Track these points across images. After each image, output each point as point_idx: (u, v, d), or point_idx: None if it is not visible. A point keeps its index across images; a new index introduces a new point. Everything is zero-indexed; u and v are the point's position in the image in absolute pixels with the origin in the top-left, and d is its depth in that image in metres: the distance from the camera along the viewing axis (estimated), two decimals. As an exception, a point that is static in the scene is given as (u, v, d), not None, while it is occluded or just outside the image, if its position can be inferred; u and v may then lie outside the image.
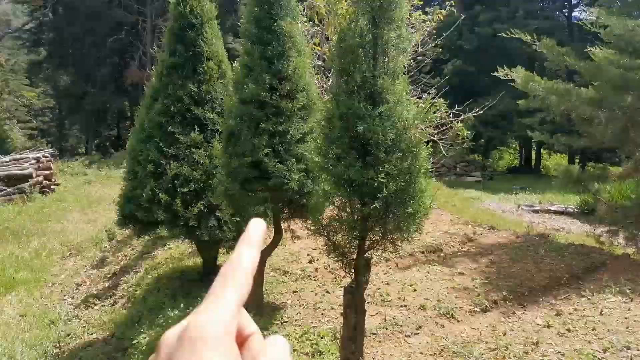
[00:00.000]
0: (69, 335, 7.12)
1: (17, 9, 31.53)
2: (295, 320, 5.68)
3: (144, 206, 6.21)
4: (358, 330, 4.16)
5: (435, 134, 8.34)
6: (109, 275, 9.21)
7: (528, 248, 7.99)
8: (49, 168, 16.75)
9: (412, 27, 8.63)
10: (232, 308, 0.46)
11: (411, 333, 5.32)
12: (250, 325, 0.50)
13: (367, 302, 4.99)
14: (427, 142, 3.96)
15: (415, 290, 6.39)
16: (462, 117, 8.57)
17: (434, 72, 11.51)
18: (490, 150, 32.02)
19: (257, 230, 0.53)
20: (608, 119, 8.21)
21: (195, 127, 6.32)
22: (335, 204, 4.02)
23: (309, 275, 6.93)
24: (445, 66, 26.59)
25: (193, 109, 6.37)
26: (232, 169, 5.19)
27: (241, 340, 0.48)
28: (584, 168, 16.70)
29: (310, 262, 7.35)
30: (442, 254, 7.85)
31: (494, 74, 9.07)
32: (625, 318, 5.37)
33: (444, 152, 8.67)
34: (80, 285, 9.20)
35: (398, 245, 4.06)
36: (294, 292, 6.44)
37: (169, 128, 6.29)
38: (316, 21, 9.17)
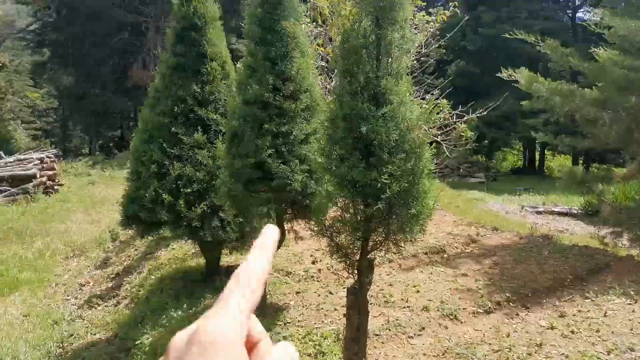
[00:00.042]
0: (72, 335, 7.13)
1: (21, 9, 31.63)
2: (298, 321, 5.68)
3: (148, 207, 6.22)
4: (361, 331, 4.16)
5: (439, 134, 8.34)
6: (112, 276, 9.23)
7: (532, 249, 7.97)
8: (53, 169, 16.79)
9: (415, 28, 8.63)
10: (243, 312, 0.46)
11: (414, 334, 5.31)
12: (259, 331, 0.50)
13: (370, 303, 4.98)
14: (431, 143, 3.96)
15: (418, 291, 6.38)
16: (465, 118, 8.57)
17: (438, 73, 11.50)
18: (493, 151, 31.96)
19: (270, 236, 0.54)
20: (612, 119, 8.18)
21: (199, 127, 6.33)
22: (339, 205, 4.01)
23: (312, 276, 6.93)
24: (448, 67, 26.57)
25: (196, 110, 6.38)
26: (235, 169, 5.19)
27: (250, 346, 0.48)
28: (588, 169, 16.65)
29: (313, 263, 7.35)
30: (445, 255, 7.83)
31: (497, 74, 9.05)
32: (630, 320, 5.35)
33: (447, 153, 8.66)
34: (84, 285, 9.22)
35: (401, 246, 4.05)
36: (297, 293, 6.43)
37: (173, 129, 6.30)
38: (319, 22, 9.17)
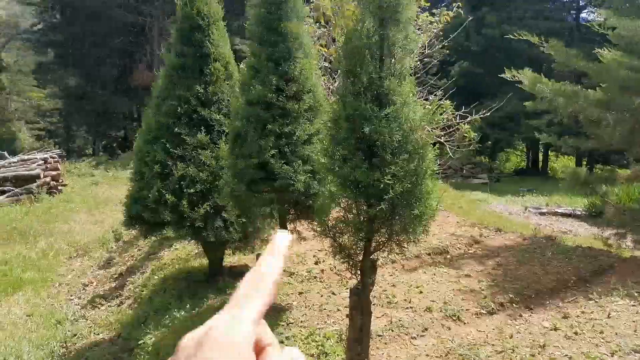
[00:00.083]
0: (75, 335, 7.15)
1: (25, 10, 31.71)
2: (301, 321, 5.68)
3: (151, 207, 6.23)
4: (364, 331, 4.15)
5: (442, 135, 8.33)
6: (115, 276, 9.24)
7: (535, 250, 7.95)
8: (57, 169, 16.83)
9: (419, 29, 8.63)
10: (253, 317, 0.46)
11: (417, 335, 5.30)
12: (268, 335, 0.50)
13: (373, 304, 4.98)
14: (434, 144, 3.95)
15: (421, 292, 6.37)
16: (469, 118, 8.56)
17: (441, 74, 11.48)
18: (497, 152, 31.90)
19: (283, 241, 0.54)
20: (616, 120, 8.16)
21: (202, 128, 6.34)
22: (342, 206, 4.01)
23: (315, 277, 6.93)
24: (452, 68, 26.56)
25: (200, 110, 6.39)
26: (238, 170, 5.20)
27: (258, 350, 0.48)
28: (591, 170, 16.60)
29: (316, 263, 7.35)
30: (448, 256, 7.82)
31: (501, 75, 9.04)
32: (633, 321, 5.33)
33: (450, 154, 8.65)
34: (87, 285, 9.24)
35: (404, 247, 4.05)
36: (300, 293, 6.43)
37: (176, 129, 6.31)
38: (323, 22, 9.18)
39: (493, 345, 5.05)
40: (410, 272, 7.12)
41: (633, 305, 5.71)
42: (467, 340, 5.17)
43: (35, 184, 15.27)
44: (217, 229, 6.22)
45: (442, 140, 8.35)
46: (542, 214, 15.01)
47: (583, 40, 26.01)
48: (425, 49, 8.76)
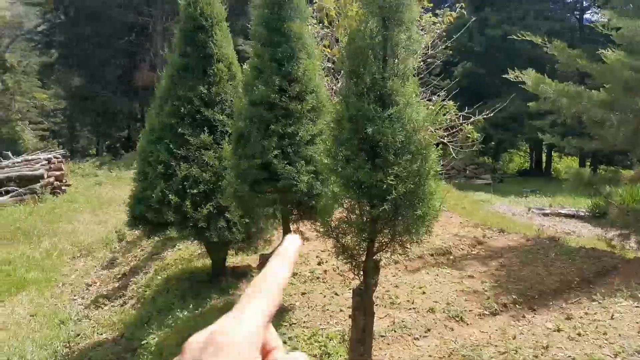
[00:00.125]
0: (78, 335, 7.16)
1: (29, 11, 31.80)
2: (304, 322, 5.68)
3: (154, 207, 6.24)
4: (367, 332, 4.15)
5: (445, 136, 8.33)
6: (118, 276, 9.26)
7: (538, 251, 7.93)
8: (60, 169, 16.88)
9: (422, 30, 8.62)
10: (260, 319, 0.46)
11: (420, 336, 5.29)
12: (274, 339, 0.51)
13: (376, 305, 4.98)
14: (437, 145, 3.95)
15: (424, 293, 6.37)
16: (472, 119, 8.55)
17: (444, 75, 11.48)
18: (500, 152, 31.86)
19: (292, 245, 0.54)
20: (620, 121, 8.14)
21: (205, 128, 6.34)
22: (344, 206, 4.01)
23: (318, 277, 6.93)
24: (455, 68, 26.54)
25: (203, 111, 6.40)
26: (241, 170, 5.20)
27: (264, 353, 0.48)
28: (595, 171, 16.55)
29: (319, 264, 7.35)
30: (451, 257, 7.81)
31: (504, 76, 9.02)
32: (637, 322, 5.32)
33: (453, 155, 8.64)
34: (91, 285, 9.26)
35: (407, 248, 4.05)
36: (303, 294, 6.43)
37: (179, 129, 6.32)
38: (326, 23, 9.18)
39: (496, 346, 5.05)
40: (413, 273, 7.11)
41: (637, 307, 5.69)
42: (470, 341, 5.16)
43: (39, 184, 15.31)
44: (220, 229, 6.23)
45: (445, 141, 8.34)
46: (545, 214, 14.99)
47: (587, 40, 25.97)
48: (428, 50, 8.76)
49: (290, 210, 5.66)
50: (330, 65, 9.13)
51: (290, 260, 0.53)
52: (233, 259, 7.84)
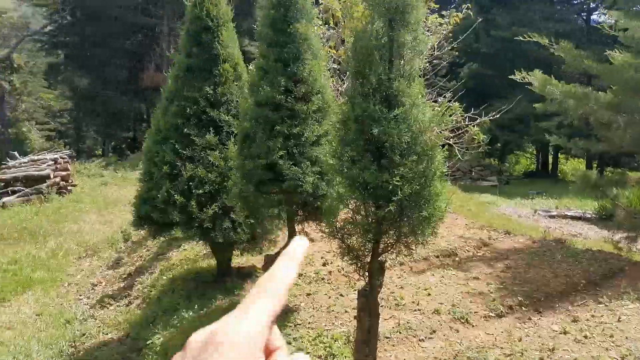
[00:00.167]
0: (84, 334, 7.18)
1: (36, 12, 31.98)
2: (309, 322, 5.68)
3: (160, 207, 6.25)
4: (372, 333, 4.14)
5: (451, 137, 8.30)
6: (124, 276, 9.28)
7: (544, 253, 7.90)
8: (66, 169, 16.93)
9: (428, 30, 8.61)
10: (264, 319, 0.46)
11: (425, 337, 5.28)
12: (277, 339, 0.50)
13: (381, 306, 4.97)
14: (443, 146, 3.94)
15: (429, 294, 6.35)
16: (478, 120, 8.52)
17: (450, 76, 11.43)
18: (506, 154, 31.73)
19: (299, 247, 0.54)
20: (627, 123, 8.10)
21: (211, 129, 6.35)
22: (350, 207, 4.00)
23: (323, 278, 6.92)
24: (461, 69, 26.44)
25: (209, 111, 6.41)
26: (246, 171, 5.20)
27: (267, 353, 0.48)
28: (602, 173, 16.51)
29: (324, 265, 7.34)
30: (457, 259, 7.79)
31: (510, 77, 9.00)
32: (644, 325, 5.28)
33: (459, 156, 8.62)
34: (96, 285, 9.28)
35: (412, 249, 4.04)
36: (308, 294, 6.43)
37: (185, 130, 6.33)
38: (332, 24, 9.18)
39: (502, 348, 5.03)
40: (419, 274, 7.09)
41: (644, 309, 5.66)
42: (476, 343, 5.14)
43: (45, 184, 15.37)
44: (226, 229, 6.23)
45: (451, 142, 8.32)
46: (551, 216, 14.92)
47: (594, 42, 25.84)
48: (434, 51, 8.74)
49: (296, 211, 5.66)
50: (335, 66, 9.12)
51: (297, 261, 0.52)
52: (238, 260, 7.84)
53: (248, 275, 7.31)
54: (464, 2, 9.65)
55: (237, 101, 6.47)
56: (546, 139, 10.98)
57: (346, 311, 5.89)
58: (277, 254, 5.83)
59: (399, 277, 6.94)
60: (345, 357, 4.90)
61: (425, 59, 7.61)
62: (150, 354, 5.82)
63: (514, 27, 25.17)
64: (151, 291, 7.92)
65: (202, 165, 6.24)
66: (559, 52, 9.00)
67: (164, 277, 8.10)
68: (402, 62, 3.76)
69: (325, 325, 5.61)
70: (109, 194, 16.79)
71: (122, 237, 11.23)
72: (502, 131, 25.22)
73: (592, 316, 5.62)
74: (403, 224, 3.81)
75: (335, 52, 9.13)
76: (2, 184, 15.39)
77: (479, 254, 8.04)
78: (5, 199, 14.61)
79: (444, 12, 9.47)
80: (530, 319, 5.71)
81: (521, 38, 9.11)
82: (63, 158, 17.32)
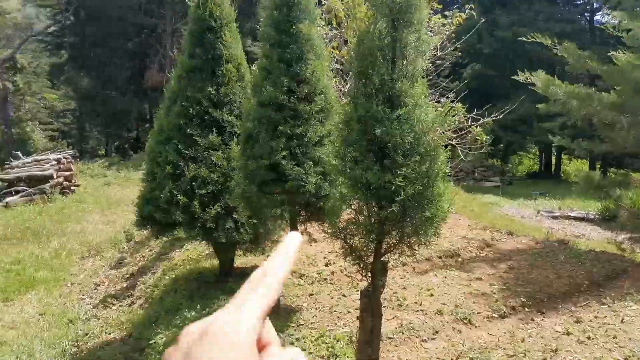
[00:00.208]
0: (87, 334, 7.19)
1: (40, 12, 32.03)
2: (311, 323, 5.68)
3: (162, 207, 6.25)
4: (374, 334, 4.14)
5: (454, 138, 8.29)
6: (127, 276, 9.29)
7: (547, 254, 7.89)
8: (70, 169, 16.97)
9: (431, 31, 8.60)
10: (257, 312, 0.46)
11: (428, 338, 5.28)
12: (271, 334, 0.50)
13: (384, 306, 4.97)
14: (445, 146, 3.93)
15: (432, 295, 6.35)
16: (481, 121, 8.51)
17: (453, 76, 11.43)
18: (509, 155, 31.70)
19: (293, 242, 0.54)
20: (630, 123, 8.08)
21: (214, 129, 6.35)
22: (353, 207, 4.00)
23: (325, 279, 6.92)
24: (464, 70, 26.46)
25: (211, 112, 6.41)
26: (249, 171, 5.21)
27: (260, 347, 0.48)
28: (605, 174, 16.46)
29: (326, 265, 7.34)
30: (459, 259, 7.79)
31: (513, 77, 8.99)
32: (647, 326, 5.27)
33: (462, 157, 8.61)
34: (99, 285, 9.30)
35: (415, 250, 4.03)
36: (310, 295, 6.43)
37: (188, 130, 6.33)
38: (335, 24, 9.18)
39: (504, 349, 5.02)
40: (421, 275, 7.09)
41: (647, 310, 5.65)
42: (478, 344, 5.13)
43: (48, 184, 15.40)
44: (228, 230, 6.23)
45: (453, 143, 8.31)
46: (554, 217, 14.91)
47: (597, 42, 25.81)
48: (437, 51, 8.74)
49: (298, 211, 5.65)
50: (338, 67, 9.12)
51: (290, 257, 0.53)
52: (241, 260, 7.84)
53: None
54: (467, 2, 9.63)
55: (240, 101, 6.47)
56: (549, 139, 10.97)
57: (349, 311, 5.89)
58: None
59: (402, 278, 6.94)
60: (347, 357, 4.90)
61: (428, 59, 7.61)
62: (152, 354, 5.82)
63: (516, 27, 25.18)
64: (154, 291, 7.93)
65: (205, 166, 6.24)
66: (562, 52, 8.98)
67: (167, 277, 8.11)
68: (405, 62, 3.76)
69: (328, 325, 5.61)
70: (111, 194, 16.82)
71: (124, 237, 11.25)
72: (505, 132, 25.20)
73: (595, 317, 5.61)
74: (406, 224, 3.80)
75: (338, 52, 9.13)
76: (6, 184, 15.43)
77: (481, 255, 8.04)
78: (8, 199, 14.65)
79: (447, 13, 9.46)
80: (533, 319, 5.71)
81: (524, 39, 9.10)
82: (66, 158, 17.36)
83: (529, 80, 8.75)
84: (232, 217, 6.28)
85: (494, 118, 8.59)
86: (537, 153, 34.16)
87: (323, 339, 5.27)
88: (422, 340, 5.22)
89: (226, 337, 0.42)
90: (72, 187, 16.60)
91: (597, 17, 31.96)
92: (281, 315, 5.76)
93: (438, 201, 3.72)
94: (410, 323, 5.53)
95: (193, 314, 6.32)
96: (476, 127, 8.46)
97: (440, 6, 9.15)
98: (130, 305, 8.00)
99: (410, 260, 6.97)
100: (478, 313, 5.83)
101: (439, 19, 9.09)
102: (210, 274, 7.75)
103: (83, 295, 8.91)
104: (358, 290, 5.04)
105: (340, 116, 4.07)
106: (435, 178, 3.69)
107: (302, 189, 5.04)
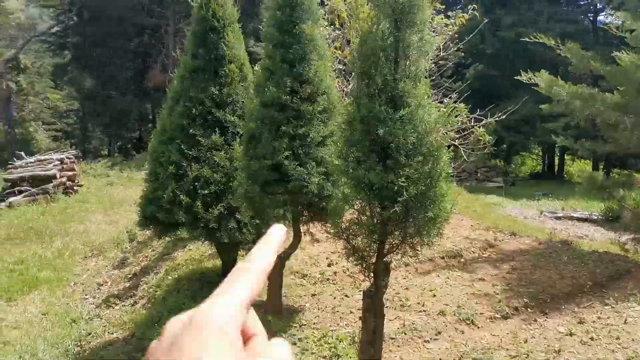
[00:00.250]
0: (90, 334, 7.20)
1: (43, 13, 32.11)
2: (314, 323, 5.67)
3: (165, 208, 6.26)
4: (377, 334, 4.14)
5: (457, 138, 8.28)
6: (129, 276, 9.30)
7: (550, 255, 7.87)
8: (73, 169, 16.99)
9: (433, 31, 8.59)
10: (240, 302, 0.46)
11: (430, 338, 5.27)
12: (256, 326, 0.51)
13: (386, 307, 4.96)
14: (448, 147, 3.93)
15: (434, 295, 6.34)
16: (483, 121, 8.50)
17: (456, 77, 11.41)
18: (512, 155, 31.67)
19: (277, 234, 0.55)
20: (634, 124, 8.07)
21: (216, 129, 6.36)
22: (355, 208, 4.00)
23: (328, 279, 6.92)
24: (467, 70, 26.42)
25: (214, 112, 6.41)
26: (252, 171, 5.21)
27: (246, 338, 0.48)
28: (608, 174, 16.43)
29: (329, 265, 7.34)
30: (462, 260, 7.78)
31: (516, 78, 8.98)
32: (651, 327, 5.26)
33: (465, 157, 8.60)
34: (102, 285, 9.31)
35: (418, 250, 4.03)
36: (313, 295, 6.43)
37: (191, 130, 6.33)
38: (337, 25, 9.18)
39: (507, 349, 5.01)
40: (424, 276, 7.08)
41: (650, 311, 5.63)
42: (481, 345, 5.13)
43: (51, 184, 15.42)
44: (231, 230, 6.24)
45: (456, 143, 8.30)
46: (557, 218, 14.88)
47: (600, 43, 25.77)
48: (440, 52, 8.73)
49: (301, 211, 5.65)
50: (341, 67, 9.12)
51: (274, 247, 0.54)
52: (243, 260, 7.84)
53: (253, 275, 7.31)
54: (470, 2, 9.62)
55: (243, 102, 6.47)
56: (552, 140, 10.95)
57: (351, 312, 5.89)
58: (283, 254, 5.83)
59: (404, 278, 6.93)
60: (350, 357, 4.89)
61: (431, 59, 7.60)
62: (155, 354, 5.82)
63: (519, 27, 25.14)
64: (156, 291, 7.93)
65: (208, 166, 6.25)
66: (565, 53, 8.97)
67: (170, 277, 8.11)
68: (407, 62, 3.76)
69: (331, 325, 5.61)
70: (114, 194, 16.83)
71: (127, 237, 11.25)
72: (508, 132, 25.17)
73: (599, 318, 5.60)
74: (408, 224, 3.80)
75: (340, 52, 9.13)
76: (9, 183, 15.45)
77: (484, 255, 8.02)
78: (11, 199, 14.68)
79: (449, 13, 9.46)
80: (536, 320, 5.70)
81: (527, 39, 9.09)
82: (69, 158, 17.38)
83: (532, 80, 8.74)
84: (234, 217, 6.28)
85: (496, 118, 8.58)
86: (540, 153, 34.13)
87: (325, 339, 5.27)
88: (425, 341, 5.22)
89: (209, 324, 0.43)
90: (75, 187, 16.63)
91: (601, 18, 31.93)
92: (284, 315, 5.76)
93: (441, 202, 3.72)
94: (412, 323, 5.53)
95: (196, 314, 6.32)
96: (479, 127, 8.45)
97: (443, 6, 9.14)
98: (133, 305, 8.01)
99: (412, 261, 6.97)
100: (481, 314, 5.82)
101: (442, 19, 9.08)
102: (212, 274, 7.75)
103: (86, 295, 8.92)
104: (360, 291, 5.04)
105: (343, 116, 4.07)
106: (438, 178, 3.69)
107: (305, 189, 5.04)
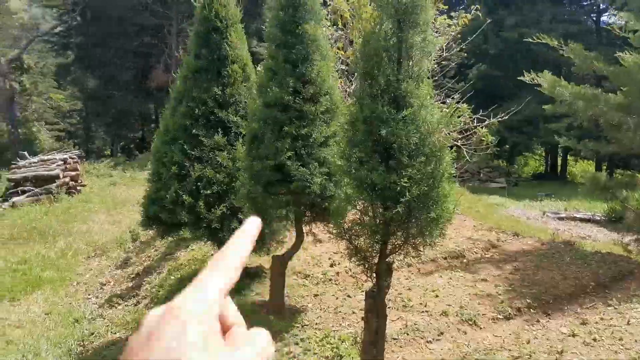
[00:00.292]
0: (93, 334, 7.21)
1: (46, 13, 32.17)
2: (316, 323, 5.68)
3: (168, 208, 6.27)
4: (379, 335, 4.14)
5: (459, 139, 8.28)
6: (132, 276, 9.32)
7: (553, 255, 7.86)
8: (76, 169, 17.03)
9: (436, 32, 8.59)
10: (216, 291, 0.47)
11: (433, 339, 5.27)
12: (235, 315, 0.51)
13: (389, 307, 4.96)
14: (451, 147, 3.93)
15: (437, 296, 6.34)
16: (486, 122, 8.49)
17: (459, 77, 11.41)
18: (515, 156, 31.61)
19: (252, 225, 0.56)
20: (637, 124, 8.05)
21: (219, 129, 6.37)
22: (358, 208, 4.00)
23: (330, 279, 6.92)
24: (470, 71, 26.40)
25: (217, 112, 6.42)
26: (254, 171, 5.21)
27: (225, 328, 0.49)
28: (611, 175, 16.41)
29: (331, 265, 7.34)
30: (465, 260, 7.77)
31: (519, 78, 8.97)
32: (654, 328, 5.25)
33: (467, 158, 8.59)
34: (105, 285, 9.32)
35: (420, 250, 4.03)
36: (315, 295, 6.43)
37: (193, 130, 6.34)
38: (340, 25, 9.18)
39: (510, 350, 5.01)
40: (426, 276, 7.08)
41: (653, 312, 5.62)
42: (484, 345, 5.12)
43: (54, 184, 15.45)
44: (234, 230, 6.10)
45: (459, 144, 8.30)
46: (560, 218, 14.85)
47: (603, 43, 25.70)
48: (443, 52, 8.73)
49: (303, 211, 5.66)
50: (344, 67, 9.12)
51: (250, 238, 0.54)
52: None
53: (256, 275, 7.32)
54: (473, 3, 9.61)
55: (246, 102, 6.48)
56: (555, 140, 10.95)
57: (353, 312, 5.88)
58: (285, 254, 5.83)
59: (407, 279, 6.93)
60: (352, 358, 4.89)
61: (434, 60, 7.61)
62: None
63: (522, 28, 25.11)
64: (159, 291, 7.95)
65: (211, 166, 6.26)
66: (568, 53, 8.96)
67: (172, 277, 8.13)
68: (410, 63, 3.76)
69: (333, 326, 5.61)
70: (117, 194, 16.86)
71: (130, 237, 11.27)
72: (510, 133, 25.14)
73: (601, 319, 5.59)
74: (411, 225, 3.80)
75: (343, 53, 9.13)
76: (12, 183, 15.50)
77: (487, 256, 8.01)
78: (15, 199, 14.72)
79: (452, 14, 9.45)
80: (538, 321, 5.69)
81: (530, 39, 9.08)
82: (72, 158, 17.41)
83: (535, 81, 8.73)
84: (237, 218, 6.29)
85: (499, 119, 8.58)
86: (543, 154, 34.07)
87: (328, 339, 5.27)
88: (427, 342, 5.22)
89: (186, 312, 0.43)
90: (78, 187, 16.66)
91: (604, 18, 31.87)
92: (286, 315, 5.76)
93: (443, 202, 3.71)
94: (415, 324, 5.52)
95: (198, 314, 6.33)
96: (482, 128, 8.44)
97: (446, 7, 9.14)
98: (135, 305, 8.02)
99: (415, 261, 6.95)
100: (483, 314, 5.81)
101: (445, 19, 9.08)
102: (215, 274, 7.74)
103: (89, 294, 8.94)
104: (363, 291, 5.04)
105: (346, 117, 4.07)
106: (441, 179, 3.69)
107: (307, 190, 5.04)
